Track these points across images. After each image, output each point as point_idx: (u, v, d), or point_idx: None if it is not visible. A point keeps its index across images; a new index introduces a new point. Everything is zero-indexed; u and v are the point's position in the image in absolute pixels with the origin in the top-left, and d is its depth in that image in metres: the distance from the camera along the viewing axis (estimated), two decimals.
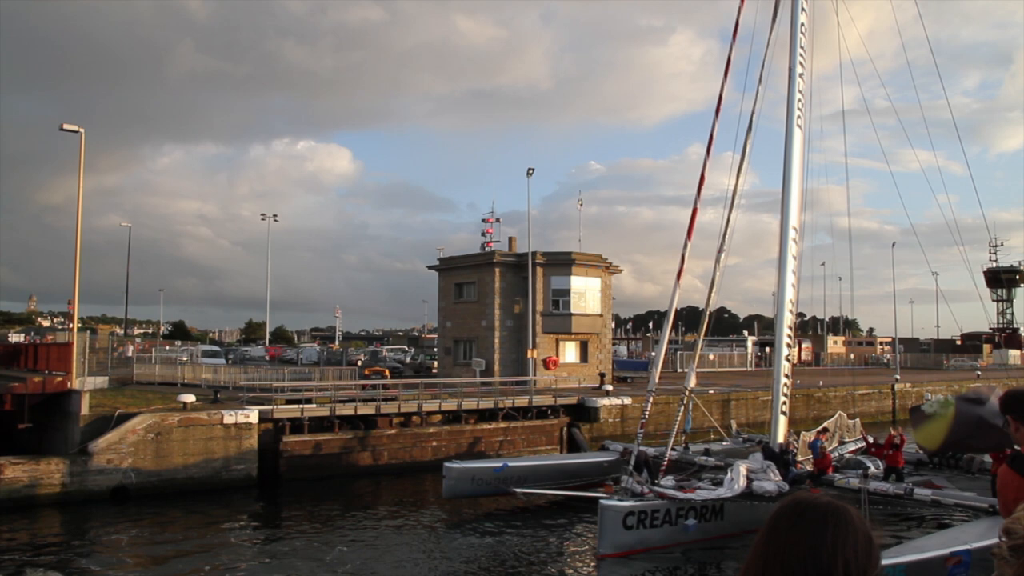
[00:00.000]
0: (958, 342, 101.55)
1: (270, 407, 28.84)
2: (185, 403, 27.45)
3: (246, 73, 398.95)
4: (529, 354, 44.81)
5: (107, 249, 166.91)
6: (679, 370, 64.07)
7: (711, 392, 42.67)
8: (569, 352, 48.43)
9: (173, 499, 25.00)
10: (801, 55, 25.29)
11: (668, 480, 22.17)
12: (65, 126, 29.48)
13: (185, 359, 46.18)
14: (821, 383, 49.44)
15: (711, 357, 72.87)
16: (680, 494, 20.19)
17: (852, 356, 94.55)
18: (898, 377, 55.26)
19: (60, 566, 18.43)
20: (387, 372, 50.62)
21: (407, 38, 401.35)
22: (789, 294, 25.04)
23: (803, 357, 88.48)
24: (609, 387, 41.11)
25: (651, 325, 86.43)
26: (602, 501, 19.62)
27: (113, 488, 24.67)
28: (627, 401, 37.12)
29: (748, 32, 25.31)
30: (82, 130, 29.55)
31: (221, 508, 24.63)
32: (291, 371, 42.06)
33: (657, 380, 25.64)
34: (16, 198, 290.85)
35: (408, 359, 75.65)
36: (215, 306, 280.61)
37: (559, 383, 41.31)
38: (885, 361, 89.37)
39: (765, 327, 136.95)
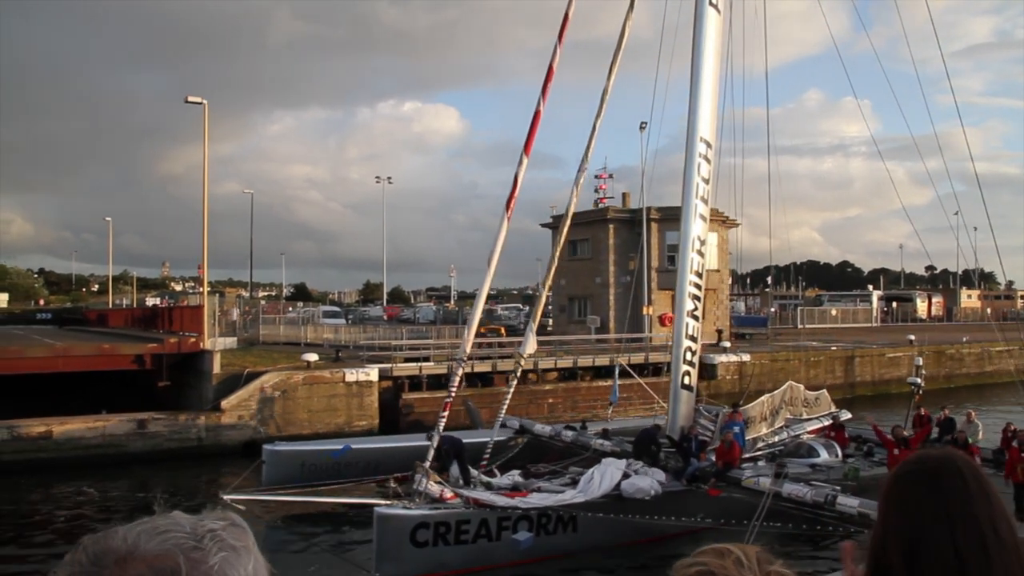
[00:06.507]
0: None
1: (389, 365, 29.56)
2: (309, 362, 28.42)
3: (343, 37, 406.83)
4: (644, 311, 44.32)
5: (227, 215, 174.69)
6: (798, 326, 62.29)
7: (833, 348, 41.29)
8: None
9: None
10: None
11: (508, 477, 17.17)
12: (189, 98, 30.54)
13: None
14: (965, 339, 46.87)
15: (833, 312, 70.42)
16: (500, 499, 15.02)
17: (988, 311, 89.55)
18: None
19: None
20: (503, 330, 51.03)
21: None
22: (696, 230, 19.44)
23: (934, 312, 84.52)
24: (727, 344, 40.31)
25: (769, 280, 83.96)
26: (379, 510, 14.24)
27: (244, 442, 25.85)
28: (745, 358, 36.33)
29: None
30: (205, 102, 30.62)
31: None
32: (408, 330, 42.93)
33: (468, 349, 19.78)
34: (140, 170, 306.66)
35: (523, 317, 76.14)
36: (331, 268, 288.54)
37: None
38: None
39: (891, 281, 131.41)
